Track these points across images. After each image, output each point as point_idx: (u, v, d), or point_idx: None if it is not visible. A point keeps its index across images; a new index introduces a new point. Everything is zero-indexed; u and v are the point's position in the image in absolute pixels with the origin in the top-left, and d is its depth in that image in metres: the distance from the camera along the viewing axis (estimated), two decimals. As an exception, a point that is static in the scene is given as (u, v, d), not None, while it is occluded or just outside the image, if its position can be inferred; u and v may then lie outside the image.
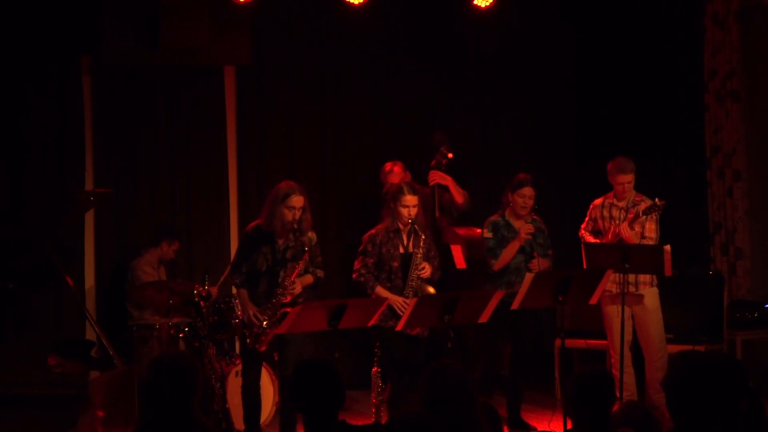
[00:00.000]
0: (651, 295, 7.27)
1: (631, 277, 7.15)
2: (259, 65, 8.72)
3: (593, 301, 6.59)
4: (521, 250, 7.10)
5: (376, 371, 6.73)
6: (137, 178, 8.44)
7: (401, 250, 6.76)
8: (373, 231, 6.82)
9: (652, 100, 9.09)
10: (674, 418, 3.56)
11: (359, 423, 4.11)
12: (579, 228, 7.52)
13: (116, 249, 8.34)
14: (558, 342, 7.80)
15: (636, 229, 7.12)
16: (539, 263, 7.04)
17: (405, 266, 6.72)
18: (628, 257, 6.85)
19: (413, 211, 6.70)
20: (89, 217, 8.27)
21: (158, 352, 7.12)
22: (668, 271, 6.94)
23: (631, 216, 7.12)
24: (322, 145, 8.95)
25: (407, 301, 6.59)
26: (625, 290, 7.07)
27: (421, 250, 6.71)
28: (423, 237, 6.72)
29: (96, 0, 8.07)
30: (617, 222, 7.20)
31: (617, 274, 6.96)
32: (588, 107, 9.39)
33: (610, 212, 7.30)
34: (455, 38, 9.20)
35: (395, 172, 8.04)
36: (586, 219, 7.45)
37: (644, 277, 7.22)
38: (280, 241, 6.39)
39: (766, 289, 8.56)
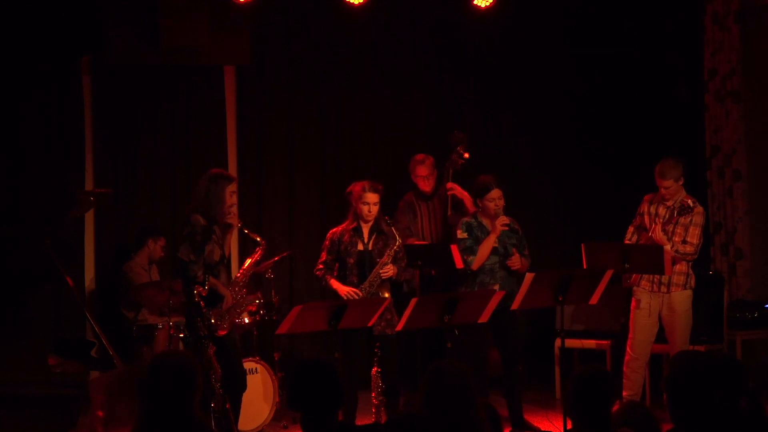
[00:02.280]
0: (683, 298, 7.16)
1: (664, 278, 7.09)
2: (259, 65, 8.72)
3: (593, 301, 6.59)
4: (495, 251, 7.06)
5: (376, 371, 6.74)
6: (137, 178, 8.44)
7: (360, 247, 6.82)
8: (336, 228, 6.90)
9: (651, 100, 9.10)
10: (674, 418, 3.57)
11: (359, 423, 4.11)
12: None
13: (116, 249, 8.33)
14: (558, 342, 7.79)
15: (678, 232, 7.07)
16: (520, 261, 7.03)
17: (360, 263, 6.80)
18: (627, 257, 6.84)
19: (374, 209, 6.81)
20: (89, 217, 8.26)
21: (158, 352, 7.13)
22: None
23: (669, 217, 7.07)
24: (322, 145, 8.95)
25: (357, 291, 6.71)
26: (657, 290, 7.07)
27: (393, 252, 6.79)
28: (382, 236, 6.83)
29: (96, 0, 8.07)
30: (660, 220, 7.13)
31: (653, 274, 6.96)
32: (588, 107, 9.39)
33: (656, 209, 7.16)
34: (455, 38, 9.20)
35: (427, 164, 8.03)
36: (636, 213, 7.36)
37: (677, 279, 7.11)
38: (218, 230, 6.43)
39: (766, 289, 8.56)
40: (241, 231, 6.67)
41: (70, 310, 7.81)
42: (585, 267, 6.96)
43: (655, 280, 7.08)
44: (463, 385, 4.04)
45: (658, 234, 6.97)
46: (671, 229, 7.06)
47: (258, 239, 6.62)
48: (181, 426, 3.93)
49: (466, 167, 8.05)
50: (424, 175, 8.01)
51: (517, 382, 7.16)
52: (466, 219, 7.20)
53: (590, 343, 8.13)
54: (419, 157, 8.08)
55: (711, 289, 7.96)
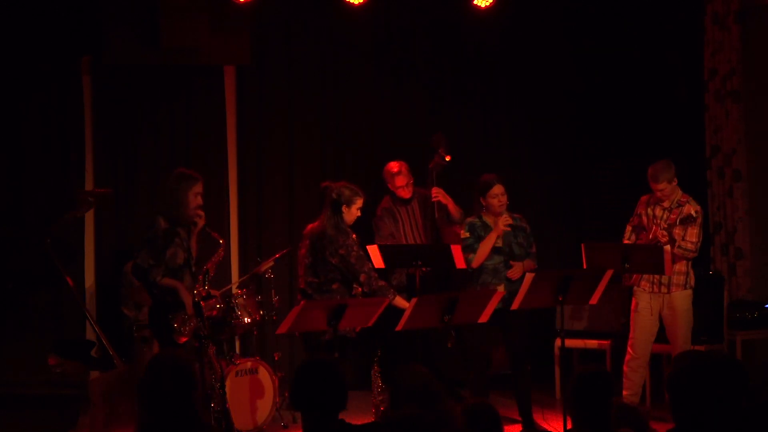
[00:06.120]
0: (683, 297, 7.19)
1: (664, 278, 7.11)
2: (259, 65, 8.72)
3: (593, 301, 6.59)
4: (499, 251, 7.06)
5: (376, 371, 6.74)
6: (137, 178, 8.43)
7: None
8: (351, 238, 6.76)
9: (651, 100, 9.10)
10: (675, 417, 3.58)
11: (359, 423, 4.10)
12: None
13: (116, 249, 8.33)
14: (558, 342, 7.80)
15: (678, 232, 7.06)
16: (516, 269, 7.01)
17: None
18: (627, 257, 6.85)
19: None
20: (89, 217, 8.26)
21: (157, 352, 7.12)
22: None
23: (672, 219, 7.07)
24: (322, 145, 8.95)
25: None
26: (657, 290, 7.08)
27: None
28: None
29: (96, 0, 8.07)
30: (659, 221, 7.15)
31: (653, 275, 6.96)
32: (588, 107, 9.39)
33: (654, 211, 7.22)
34: (455, 38, 9.20)
35: (403, 172, 8.00)
36: (634, 214, 7.39)
37: (677, 279, 7.14)
38: (182, 231, 6.39)
39: (766, 289, 8.56)
40: (203, 230, 6.58)
41: (70, 310, 7.80)
42: (585, 267, 6.97)
43: (655, 280, 7.09)
44: (424, 386, 4.13)
45: (662, 235, 6.98)
46: (681, 232, 7.08)
47: (220, 240, 6.59)
48: (181, 426, 3.94)
49: (461, 166, 8.04)
50: (403, 185, 7.98)
51: (527, 382, 7.16)
52: (469, 219, 7.21)
53: (590, 343, 8.13)
54: (394, 168, 8.01)
55: (711, 289, 7.96)
